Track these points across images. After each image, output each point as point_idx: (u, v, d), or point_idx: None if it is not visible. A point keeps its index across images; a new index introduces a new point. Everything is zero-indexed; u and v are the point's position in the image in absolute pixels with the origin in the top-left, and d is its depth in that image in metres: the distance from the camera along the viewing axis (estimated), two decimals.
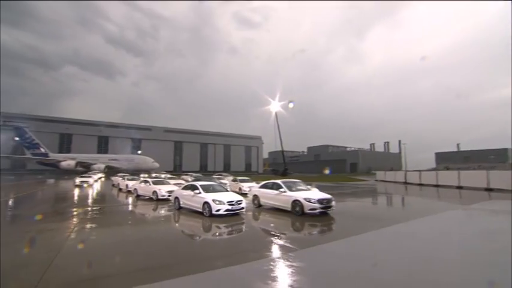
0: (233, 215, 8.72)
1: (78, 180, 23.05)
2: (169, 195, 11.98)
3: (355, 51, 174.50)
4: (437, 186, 22.17)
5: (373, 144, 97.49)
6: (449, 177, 21.92)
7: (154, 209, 10.74)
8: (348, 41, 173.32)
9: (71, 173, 44.12)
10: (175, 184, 14.48)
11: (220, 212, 8.33)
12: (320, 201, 8.84)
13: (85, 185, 22.36)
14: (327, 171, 58.62)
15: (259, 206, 10.77)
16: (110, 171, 44.96)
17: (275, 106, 53.73)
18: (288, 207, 9.28)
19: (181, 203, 9.89)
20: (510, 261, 3.23)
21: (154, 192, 12.89)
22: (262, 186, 11.03)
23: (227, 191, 10.17)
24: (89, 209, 10.78)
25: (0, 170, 42.94)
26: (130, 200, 13.78)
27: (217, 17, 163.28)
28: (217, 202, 8.43)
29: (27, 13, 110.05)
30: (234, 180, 18.22)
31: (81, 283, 3.81)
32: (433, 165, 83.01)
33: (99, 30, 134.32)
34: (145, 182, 14.42)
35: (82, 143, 60.20)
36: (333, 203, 9.24)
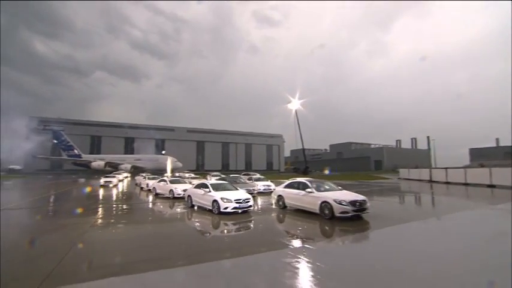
0: (242, 212, 9.04)
1: (102, 180, 23.05)
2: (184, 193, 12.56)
3: (379, 44, 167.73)
4: (466, 184, 20.89)
5: (399, 140, 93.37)
6: (479, 174, 20.58)
7: (171, 206, 11.38)
8: (371, 33, 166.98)
9: (101, 173, 47.12)
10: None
11: (228, 210, 8.71)
12: (352, 203, 8.05)
13: (110, 185, 22.54)
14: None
15: (284, 207, 10.13)
16: (136, 171, 47.33)
17: (295, 104, 53.42)
18: (316, 209, 8.55)
19: (193, 201, 10.40)
20: None
21: (171, 190, 13.58)
22: (287, 186, 10.34)
23: (237, 189, 10.43)
24: (114, 205, 11.66)
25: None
26: (150, 198, 14.65)
27: (236, 17, 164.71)
28: (225, 200, 8.82)
29: (63, 25, 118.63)
30: (249, 179, 18.54)
31: (96, 270, 4.31)
32: (467, 162, 77.87)
33: (125, 36, 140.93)
34: (163, 181, 15.20)
35: (110, 144, 63.93)
36: (368, 205, 8.36)
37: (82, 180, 33.37)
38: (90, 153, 59.84)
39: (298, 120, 52.95)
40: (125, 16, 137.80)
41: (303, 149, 55.80)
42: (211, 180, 14.00)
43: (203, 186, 10.22)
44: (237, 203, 8.84)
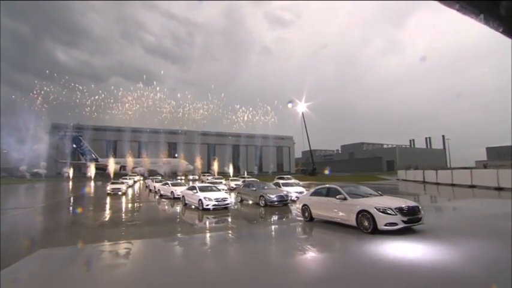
0: (223, 209, 11.42)
1: (109, 187, 20.36)
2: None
3: (394, 41, 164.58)
4: (452, 185, 22.08)
5: (413, 140, 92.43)
6: (485, 176, 20.35)
7: (172, 205, 14.00)
8: (386, 30, 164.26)
9: (117, 176, 50.98)
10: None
11: (209, 207, 11.11)
12: (401, 211, 6.53)
13: (119, 193, 19.76)
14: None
15: (311, 219, 8.61)
16: (150, 174, 50.87)
17: (302, 106, 55.42)
18: (352, 221, 7.04)
19: (186, 200, 12.88)
20: None
21: (172, 192, 16.16)
22: (314, 194, 8.92)
23: (219, 191, 12.79)
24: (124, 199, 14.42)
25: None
26: (156, 197, 17.51)
27: (248, 19, 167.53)
28: (207, 199, 11.22)
29: (82, 33, 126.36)
30: (243, 181, 20.75)
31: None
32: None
33: (139, 42, 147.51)
34: (166, 184, 17.89)
35: (125, 148, 68.15)
36: (422, 214, 6.78)
37: (99, 183, 37.01)
38: (107, 157, 64.20)
39: (305, 123, 54.87)
40: (139, 22, 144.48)
41: (310, 151, 57.58)
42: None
43: (193, 188, 12.67)
44: (216, 201, 11.24)
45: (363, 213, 6.77)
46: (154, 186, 20.96)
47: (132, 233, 7.65)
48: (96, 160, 59.98)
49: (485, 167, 15.50)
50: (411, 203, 6.97)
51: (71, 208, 14.51)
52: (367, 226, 6.64)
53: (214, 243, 6.58)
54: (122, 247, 5.91)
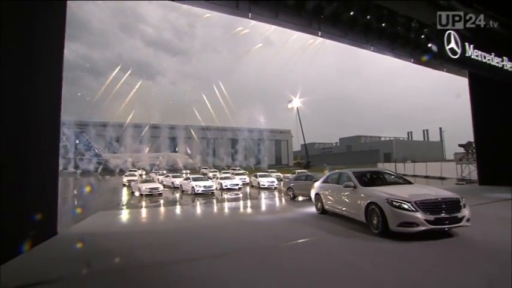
0: (210, 194, 15.92)
1: (125, 179, 25.04)
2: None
3: None
4: (426, 177, 26.33)
5: (411, 132, 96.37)
6: (435, 168, 25.72)
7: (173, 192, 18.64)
8: None
9: (122, 171, 55.59)
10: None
11: (199, 191, 15.56)
12: (426, 205, 4.88)
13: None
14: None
15: (323, 211, 7.71)
16: (152, 168, 55.70)
17: (297, 101, 59.84)
18: (360, 215, 5.81)
19: (183, 188, 17.50)
20: None
21: (172, 182, 20.85)
22: (326, 180, 8.06)
23: (207, 180, 17.39)
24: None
25: None
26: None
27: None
28: (197, 186, 15.73)
29: (82, 27, 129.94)
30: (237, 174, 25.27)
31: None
32: None
33: (139, 34, 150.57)
34: (168, 176, 22.83)
35: (128, 143, 72.79)
36: (465, 212, 4.99)
37: (101, 177, 42.00)
38: (109, 153, 68.97)
39: (299, 117, 59.38)
40: (138, 14, 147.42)
41: (305, 144, 62.12)
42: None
43: (188, 179, 17.33)
44: (204, 187, 15.73)
45: (372, 207, 5.36)
46: (158, 179, 25.57)
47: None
48: (99, 156, 64.85)
49: (460, 160, 19.26)
50: (445, 194, 5.31)
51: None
52: (375, 225, 5.24)
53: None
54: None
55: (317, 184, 8.42)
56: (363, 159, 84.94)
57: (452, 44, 9.03)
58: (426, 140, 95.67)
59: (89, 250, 5.13)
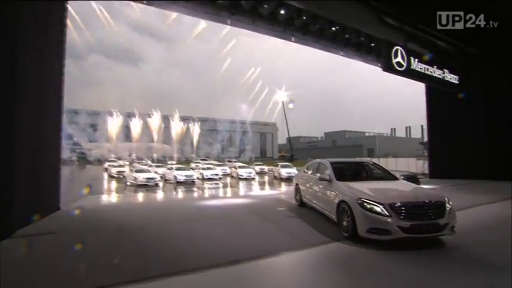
0: (191, 182, 17.66)
1: (114, 170, 23.62)
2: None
3: None
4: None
5: (394, 129, 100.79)
6: (391, 164, 28.58)
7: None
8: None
9: (100, 161, 55.98)
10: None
11: (181, 180, 17.34)
12: (401, 208, 4.34)
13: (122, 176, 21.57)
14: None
15: (302, 204, 7.45)
16: (133, 159, 56.39)
17: (283, 94, 61.84)
18: (332, 213, 5.39)
19: (166, 177, 19.14)
20: None
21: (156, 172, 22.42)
22: (307, 169, 7.75)
23: (189, 170, 19.14)
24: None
25: None
26: None
27: None
28: (179, 175, 17.44)
29: (57, 5, 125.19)
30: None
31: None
32: None
33: (123, 17, 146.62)
34: (150, 166, 24.18)
35: (108, 132, 72.56)
36: (449, 218, 4.46)
37: (79, 167, 42.71)
38: (89, 142, 68.69)
39: (284, 111, 61.47)
40: None
41: (289, 138, 64.56)
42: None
43: (171, 169, 18.98)
44: (185, 176, 17.52)
45: (343, 206, 4.92)
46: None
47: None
48: (78, 145, 64.64)
49: (421, 156, 21.89)
50: (429, 195, 4.92)
51: None
52: (345, 227, 4.82)
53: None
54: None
55: (298, 173, 8.30)
56: (347, 154, 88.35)
57: (399, 58, 11.00)
58: (408, 136, 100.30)
59: (86, 218, 7.19)
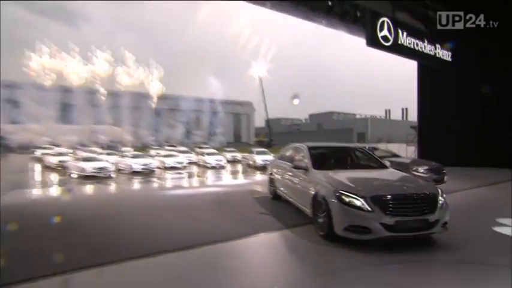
0: (150, 172, 18.20)
1: (52, 159, 22.97)
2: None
3: None
4: None
5: (389, 110, 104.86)
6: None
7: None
8: None
9: (27, 148, 51.87)
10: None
11: (137, 170, 17.84)
12: (386, 202, 4.42)
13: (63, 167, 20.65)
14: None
15: (276, 196, 7.70)
16: (71, 143, 54.45)
17: (261, 67, 62.23)
18: (307, 207, 5.52)
19: (118, 166, 19.47)
20: None
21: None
22: (281, 157, 7.95)
23: (147, 158, 19.65)
24: None
25: None
26: None
27: None
28: (135, 163, 17.94)
29: None
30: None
31: None
32: None
33: None
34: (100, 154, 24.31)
35: (36, 110, 67.74)
36: (441, 214, 4.55)
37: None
38: (11, 123, 63.07)
39: (263, 89, 62.31)
40: None
41: (267, 120, 65.79)
42: None
43: (125, 156, 19.36)
44: (142, 165, 18.04)
45: (319, 199, 4.95)
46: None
47: None
48: None
49: (411, 141, 23.91)
50: (420, 187, 5.04)
51: None
52: (321, 224, 4.85)
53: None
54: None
55: (273, 160, 8.85)
56: (335, 138, 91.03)
57: (385, 32, 12.05)
58: (405, 119, 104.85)
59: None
